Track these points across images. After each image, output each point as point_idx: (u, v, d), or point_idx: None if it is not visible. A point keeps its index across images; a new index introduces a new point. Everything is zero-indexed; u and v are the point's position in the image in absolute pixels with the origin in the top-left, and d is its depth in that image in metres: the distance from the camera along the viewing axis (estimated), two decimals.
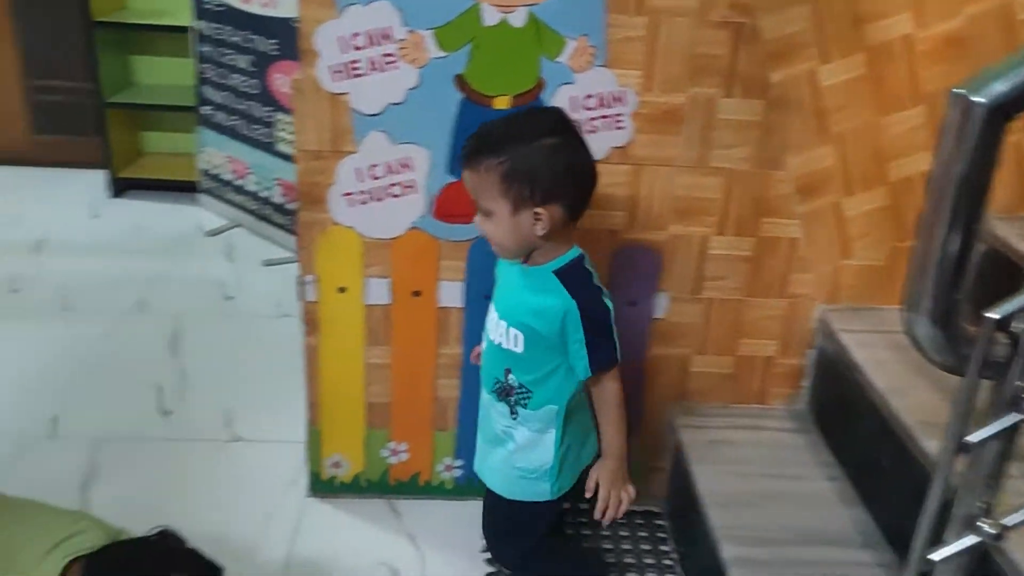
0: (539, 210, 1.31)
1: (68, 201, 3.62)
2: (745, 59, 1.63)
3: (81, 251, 3.23)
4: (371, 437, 1.95)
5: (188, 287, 2.99)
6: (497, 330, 1.48)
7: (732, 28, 1.60)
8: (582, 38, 1.58)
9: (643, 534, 1.94)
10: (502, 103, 1.62)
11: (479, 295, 1.79)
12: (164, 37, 3.53)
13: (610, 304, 1.42)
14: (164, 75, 3.72)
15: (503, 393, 1.50)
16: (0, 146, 3.89)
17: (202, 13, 3.20)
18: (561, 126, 1.35)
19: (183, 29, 3.33)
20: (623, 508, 1.46)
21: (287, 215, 3.16)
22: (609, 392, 1.44)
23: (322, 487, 1.99)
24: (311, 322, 1.83)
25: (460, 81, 1.60)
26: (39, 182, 3.78)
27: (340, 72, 1.59)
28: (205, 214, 3.55)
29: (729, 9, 1.59)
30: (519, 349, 1.44)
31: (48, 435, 2.19)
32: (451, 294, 1.80)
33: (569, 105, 1.62)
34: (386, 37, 1.56)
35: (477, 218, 1.39)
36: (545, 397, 1.46)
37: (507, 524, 1.62)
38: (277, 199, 3.24)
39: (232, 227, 3.45)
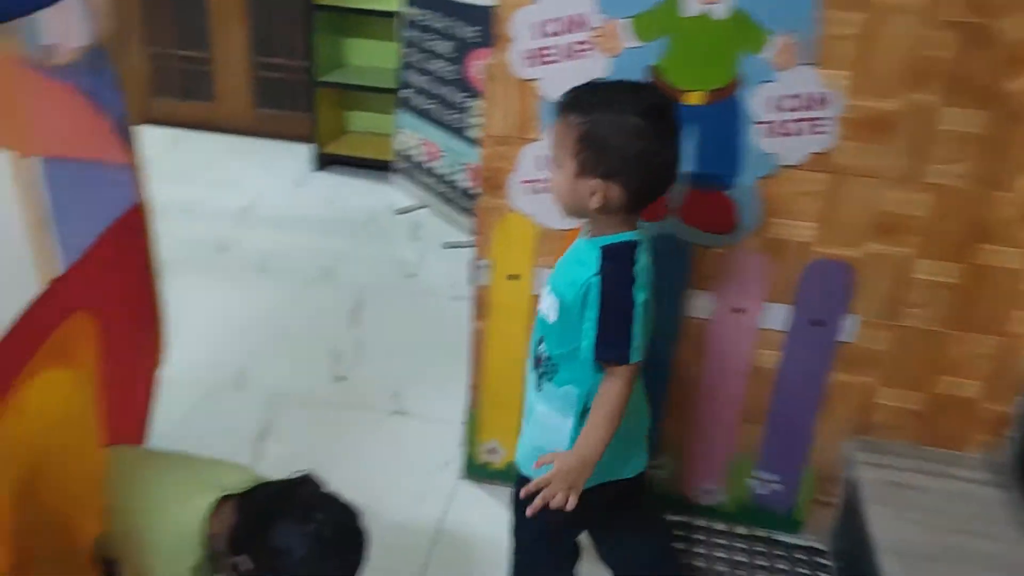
0: (598, 183, 1.26)
1: (277, 171, 3.88)
2: (975, 64, 1.45)
3: (282, 219, 3.45)
4: None
5: (373, 261, 3.12)
6: (544, 298, 1.42)
7: (963, 29, 1.44)
8: (788, 34, 1.48)
9: (804, 571, 1.80)
10: (694, 98, 1.55)
11: (654, 297, 1.73)
12: (376, 21, 3.70)
13: (640, 300, 1.30)
14: (372, 57, 3.90)
15: (535, 363, 1.45)
16: (227, 116, 4.24)
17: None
18: (656, 111, 1.26)
19: (393, 14, 3.47)
20: (553, 503, 1.29)
21: (472, 200, 3.22)
22: (609, 390, 1.32)
23: (475, 471, 2.01)
24: (481, 306, 1.84)
25: (653, 73, 1.54)
26: (255, 152, 4.09)
27: (532, 58, 1.57)
28: (396, 193, 3.70)
29: (965, 7, 1.42)
30: (552, 318, 1.38)
31: (234, 386, 2.35)
32: None
33: (765, 105, 1.52)
34: (580, 25, 1.53)
35: (552, 166, 1.34)
36: (568, 376, 1.38)
37: (517, 504, 1.50)
38: (464, 184, 3.31)
39: (420, 207, 3.57)
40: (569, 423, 1.39)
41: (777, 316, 1.71)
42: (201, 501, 1.34)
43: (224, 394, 2.32)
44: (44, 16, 1.43)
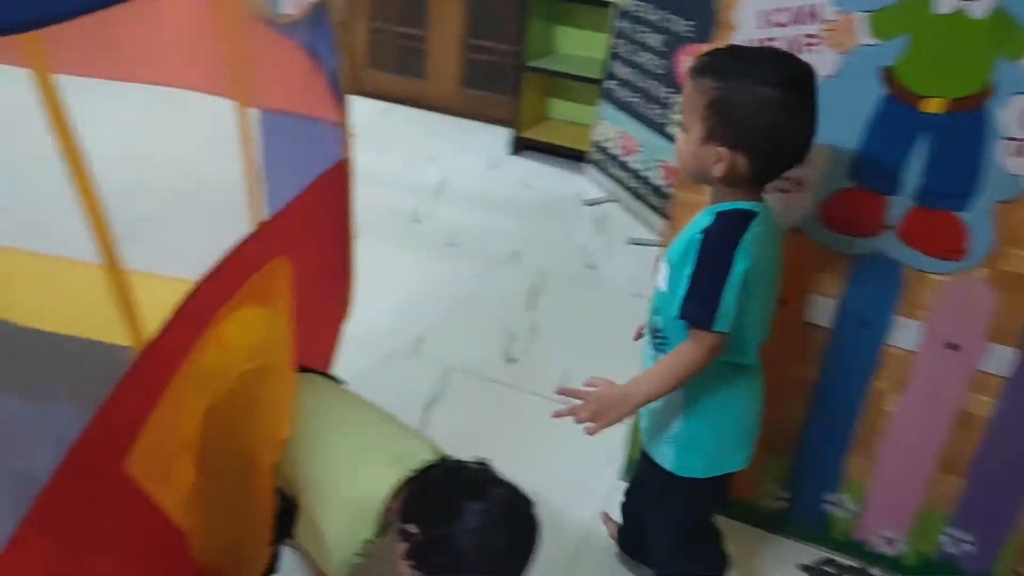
0: (724, 151, 1.20)
1: (475, 151, 3.96)
2: None
3: (474, 198, 3.52)
4: None
5: (557, 248, 3.11)
6: (659, 268, 1.36)
7: None
8: None
9: None
10: (933, 105, 1.39)
11: (853, 320, 1.59)
12: (589, 11, 3.68)
13: (740, 268, 1.20)
14: (581, 46, 3.89)
15: (651, 335, 1.40)
16: (435, 94, 4.38)
17: None
18: (795, 84, 1.19)
19: (608, 4, 3.43)
20: (575, 419, 1.30)
21: (663, 198, 3.13)
22: (684, 350, 1.26)
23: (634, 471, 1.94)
24: None
25: (887, 74, 1.40)
26: (457, 130, 4.20)
27: None
28: (588, 184, 3.67)
29: None
30: (664, 286, 1.32)
31: (411, 352, 2.42)
32: (820, 309, 1.62)
33: (1018, 119, 1.34)
34: (812, 16, 1.41)
35: (680, 129, 1.28)
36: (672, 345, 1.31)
37: (646, 486, 1.54)
38: (657, 181, 3.22)
39: (609, 200, 3.52)
40: (678, 396, 1.36)
41: (999, 359, 1.51)
42: (387, 476, 1.33)
43: (400, 359, 2.38)
44: None
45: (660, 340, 1.37)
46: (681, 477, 1.40)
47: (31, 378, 1.94)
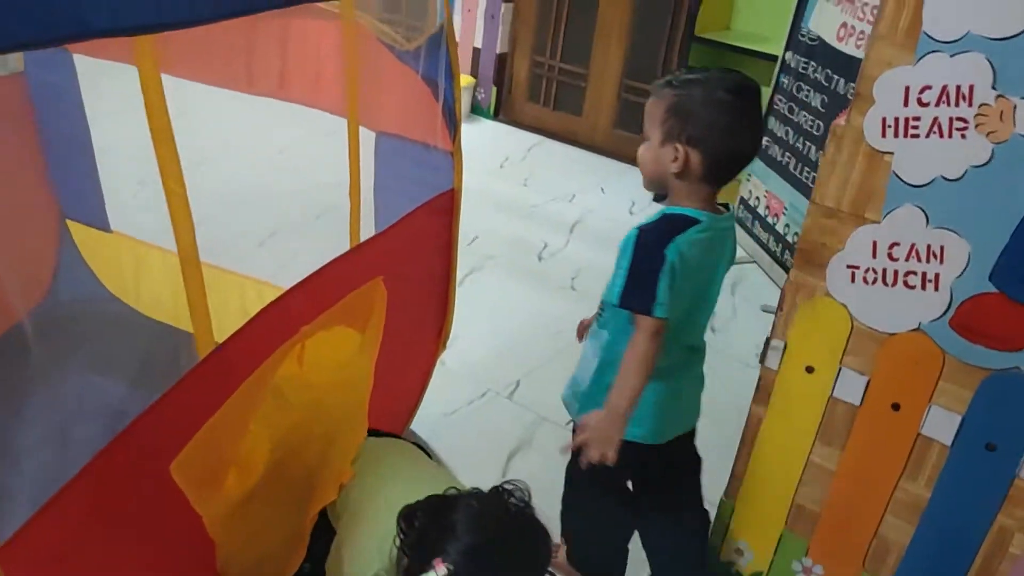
0: (680, 148, 1.33)
1: (618, 193, 3.88)
2: None
3: (606, 240, 3.41)
4: (786, 541, 1.68)
5: None
6: None
7: None
8: None
9: None
10: None
11: (978, 441, 1.39)
12: (753, 62, 3.52)
13: (668, 262, 1.32)
14: None
15: (599, 308, 1.52)
16: (588, 132, 4.35)
17: (795, 44, 3.09)
18: (741, 92, 1.34)
19: (772, 57, 3.27)
20: (594, 459, 1.38)
21: None
22: (635, 343, 1.37)
23: (718, 568, 1.79)
24: (764, 390, 1.62)
25: None
26: (605, 170, 4.13)
27: (892, 127, 1.33)
28: None
29: None
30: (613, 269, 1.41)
31: (506, 395, 2.36)
32: (940, 424, 1.43)
33: None
34: (964, 97, 1.25)
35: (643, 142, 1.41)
36: (606, 321, 1.48)
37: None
38: None
39: (748, 261, 3.34)
40: (596, 362, 1.49)
41: None
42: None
43: (494, 401, 2.33)
44: None
45: (600, 313, 1.51)
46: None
47: (144, 365, 2.04)
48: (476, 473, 1.49)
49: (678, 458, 1.62)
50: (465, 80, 4.55)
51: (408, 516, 1.28)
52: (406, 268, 1.75)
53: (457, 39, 4.53)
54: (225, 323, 1.30)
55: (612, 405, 1.38)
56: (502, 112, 4.68)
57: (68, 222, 2.35)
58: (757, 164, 3.33)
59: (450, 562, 1.17)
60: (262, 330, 1.31)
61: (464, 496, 1.29)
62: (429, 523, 1.25)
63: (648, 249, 1.33)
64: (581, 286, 3.01)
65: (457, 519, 1.22)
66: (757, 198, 3.35)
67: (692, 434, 1.64)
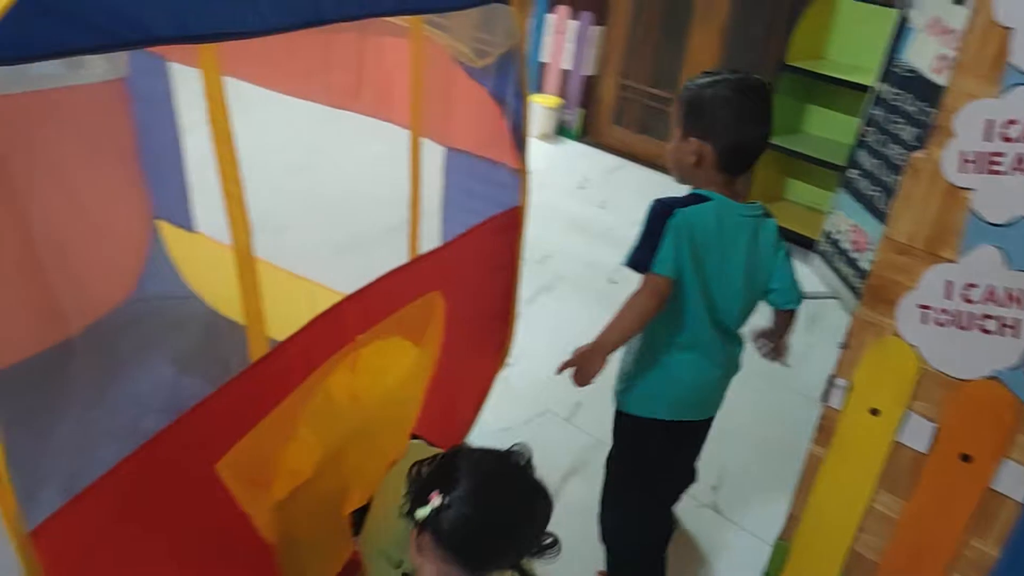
0: (696, 142, 1.50)
1: None
2: None
3: None
4: None
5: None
6: None
7: None
8: None
9: None
10: None
11: None
12: (845, 93, 3.42)
13: (672, 225, 1.47)
14: (829, 128, 3.64)
15: None
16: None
17: (888, 76, 2.99)
18: (748, 90, 1.48)
19: (865, 88, 3.17)
20: (579, 380, 1.59)
21: None
22: (634, 294, 1.53)
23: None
24: (824, 430, 1.56)
25: None
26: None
27: (972, 162, 1.26)
28: (809, 274, 3.39)
29: None
30: None
31: (566, 417, 2.34)
32: (1014, 480, 1.34)
33: None
34: None
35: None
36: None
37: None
38: None
39: (828, 297, 3.23)
40: (637, 344, 1.64)
41: None
42: None
43: (552, 421, 2.31)
44: (472, 16, 1.52)
45: None
46: (621, 412, 1.70)
47: (215, 362, 2.11)
48: None
49: (688, 441, 1.76)
50: (552, 101, 4.57)
51: (414, 467, 1.28)
52: (467, 283, 1.76)
53: (546, 60, 4.59)
54: (294, 328, 1.33)
55: (599, 340, 1.56)
56: (587, 134, 4.68)
57: (157, 221, 2.46)
58: (843, 197, 3.23)
59: (446, 495, 1.16)
60: (317, 336, 1.34)
61: (466, 447, 1.29)
62: (432, 470, 1.25)
63: (657, 214, 1.51)
64: None
65: (458, 463, 1.21)
66: (841, 232, 3.24)
67: (708, 423, 1.76)
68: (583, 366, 1.57)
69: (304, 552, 1.51)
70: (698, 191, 1.54)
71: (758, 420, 2.44)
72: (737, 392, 2.52)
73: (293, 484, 1.43)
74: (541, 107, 4.52)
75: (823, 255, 3.36)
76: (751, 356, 2.73)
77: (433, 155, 1.91)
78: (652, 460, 1.70)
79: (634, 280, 3.17)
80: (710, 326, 1.58)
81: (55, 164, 1.98)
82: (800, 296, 1.66)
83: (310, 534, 1.46)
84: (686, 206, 1.50)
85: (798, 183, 3.83)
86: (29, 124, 1.90)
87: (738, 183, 1.56)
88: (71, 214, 2.08)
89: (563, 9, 4.52)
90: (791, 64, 3.44)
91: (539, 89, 4.72)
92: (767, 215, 1.61)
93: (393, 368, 1.70)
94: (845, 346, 1.49)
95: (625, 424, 1.70)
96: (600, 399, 2.39)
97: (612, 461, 1.77)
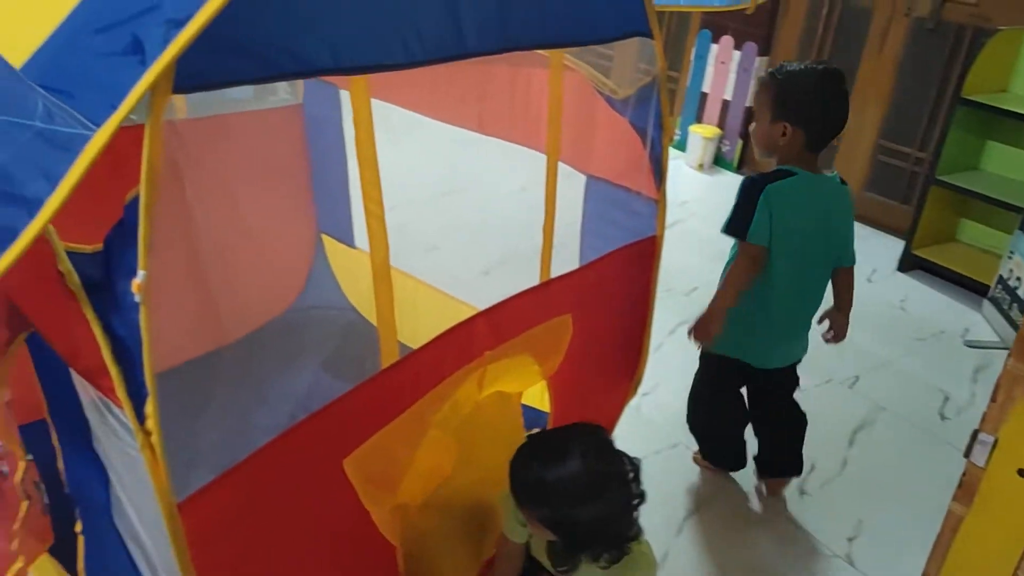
0: (787, 125, 1.75)
1: (858, 260, 3.62)
2: None
3: None
4: None
5: (909, 384, 2.73)
6: None
7: None
8: None
9: None
10: None
11: None
12: None
13: (763, 198, 1.74)
14: (1009, 167, 3.39)
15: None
16: None
17: None
18: (831, 79, 1.75)
19: None
20: (702, 338, 1.88)
21: None
22: (733, 263, 1.83)
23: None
24: (967, 487, 1.47)
25: None
26: None
27: None
28: (979, 322, 3.17)
29: None
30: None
31: (697, 449, 2.31)
32: None
33: None
34: None
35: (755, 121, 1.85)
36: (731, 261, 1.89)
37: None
38: None
39: (1000, 347, 3.00)
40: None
41: None
42: None
43: (683, 454, 2.29)
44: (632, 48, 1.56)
45: (729, 257, 1.91)
46: (708, 352, 1.98)
47: (366, 370, 2.25)
48: (647, 521, 1.49)
49: (777, 382, 2.02)
50: (711, 131, 4.52)
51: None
52: (599, 308, 1.79)
53: (707, 90, 4.55)
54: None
55: (713, 306, 1.84)
56: (745, 165, 4.58)
57: (322, 236, 2.65)
58: (1022, 240, 3.00)
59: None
60: (448, 348, 1.41)
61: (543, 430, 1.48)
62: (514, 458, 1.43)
63: (749, 189, 1.77)
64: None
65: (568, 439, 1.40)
66: (1019, 278, 3.01)
67: (794, 366, 2.02)
68: (704, 328, 1.86)
69: (434, 558, 1.58)
70: (783, 167, 1.78)
71: (905, 472, 2.31)
72: (886, 441, 2.41)
73: (429, 488, 1.52)
74: (700, 137, 4.49)
75: (996, 302, 3.13)
76: (906, 408, 2.59)
77: (576, 183, 1.97)
78: (728, 389, 2.04)
79: None
80: (796, 289, 1.86)
81: (235, 180, 2.19)
82: (854, 254, 1.95)
83: (443, 541, 1.53)
84: (775, 181, 1.75)
85: (972, 224, 3.59)
86: (215, 144, 2.12)
87: (818, 158, 1.82)
88: (249, 226, 2.29)
89: (727, 39, 4.47)
90: (968, 98, 3.24)
91: (699, 119, 4.68)
92: (843, 183, 1.88)
93: (521, 386, 1.76)
94: (992, 399, 1.40)
95: (711, 360, 2.01)
96: None
97: (696, 384, 2.09)
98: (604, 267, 1.75)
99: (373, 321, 2.54)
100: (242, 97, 2.38)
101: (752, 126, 1.84)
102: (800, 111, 1.73)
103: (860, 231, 3.82)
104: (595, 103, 1.70)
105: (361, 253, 2.60)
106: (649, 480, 1.53)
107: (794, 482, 2.21)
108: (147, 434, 0.92)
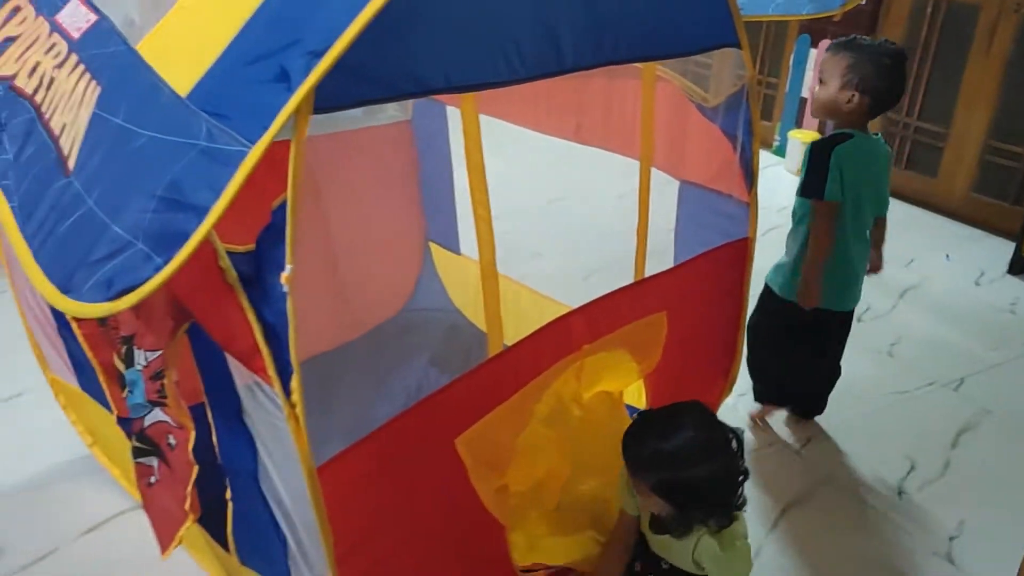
0: (854, 93, 1.97)
1: (964, 261, 3.57)
2: None
3: (942, 309, 3.17)
4: None
5: (1019, 389, 2.68)
6: None
7: None
8: None
9: None
10: None
11: None
12: None
13: (833, 159, 1.96)
14: None
15: (793, 218, 2.17)
16: (940, 194, 4.06)
17: None
18: (898, 56, 1.98)
19: None
20: (808, 303, 2.09)
21: None
22: (815, 225, 2.03)
23: None
24: None
25: None
26: (954, 236, 3.83)
27: None
28: None
29: None
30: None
31: (792, 452, 2.34)
32: None
33: None
34: None
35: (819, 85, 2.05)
36: (801, 219, 2.11)
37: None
38: None
39: None
40: (796, 249, 2.12)
41: None
42: None
43: (782, 451, 2.32)
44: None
45: (794, 218, 2.13)
46: (774, 293, 2.19)
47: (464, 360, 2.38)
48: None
49: (833, 323, 2.23)
50: (810, 136, 4.48)
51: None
52: (692, 308, 1.87)
53: (806, 95, 4.51)
54: None
55: (806, 273, 2.05)
56: None
57: (430, 243, 2.82)
58: None
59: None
60: (546, 341, 1.53)
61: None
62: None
63: (819, 153, 1.98)
64: (900, 353, 2.84)
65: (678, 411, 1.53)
66: None
67: (850, 314, 2.26)
68: (807, 293, 2.07)
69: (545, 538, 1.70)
70: (842, 130, 2.01)
71: (1010, 474, 2.28)
72: (990, 444, 2.39)
73: (552, 490, 1.65)
74: (799, 143, 4.46)
75: None
76: (1014, 413, 2.54)
77: (671, 191, 2.06)
78: (786, 327, 2.20)
79: (891, 317, 3.15)
80: (858, 233, 2.08)
81: (353, 191, 2.38)
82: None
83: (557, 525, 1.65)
84: (839, 143, 1.97)
85: None
86: (335, 158, 2.31)
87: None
88: (363, 234, 2.48)
89: (826, 43, 4.44)
90: None
91: (798, 124, 4.66)
92: (886, 142, 2.12)
93: (618, 380, 1.85)
94: None
95: (776, 301, 2.18)
96: (830, 437, 2.38)
97: (756, 323, 2.22)
98: (697, 267, 1.83)
99: (476, 323, 2.70)
100: (353, 116, 2.57)
101: (816, 88, 2.04)
102: (870, 82, 1.94)
103: (969, 233, 3.85)
104: (687, 111, 1.79)
105: (466, 259, 2.75)
106: (753, 474, 1.61)
107: (893, 482, 2.22)
108: (292, 406, 1.08)
